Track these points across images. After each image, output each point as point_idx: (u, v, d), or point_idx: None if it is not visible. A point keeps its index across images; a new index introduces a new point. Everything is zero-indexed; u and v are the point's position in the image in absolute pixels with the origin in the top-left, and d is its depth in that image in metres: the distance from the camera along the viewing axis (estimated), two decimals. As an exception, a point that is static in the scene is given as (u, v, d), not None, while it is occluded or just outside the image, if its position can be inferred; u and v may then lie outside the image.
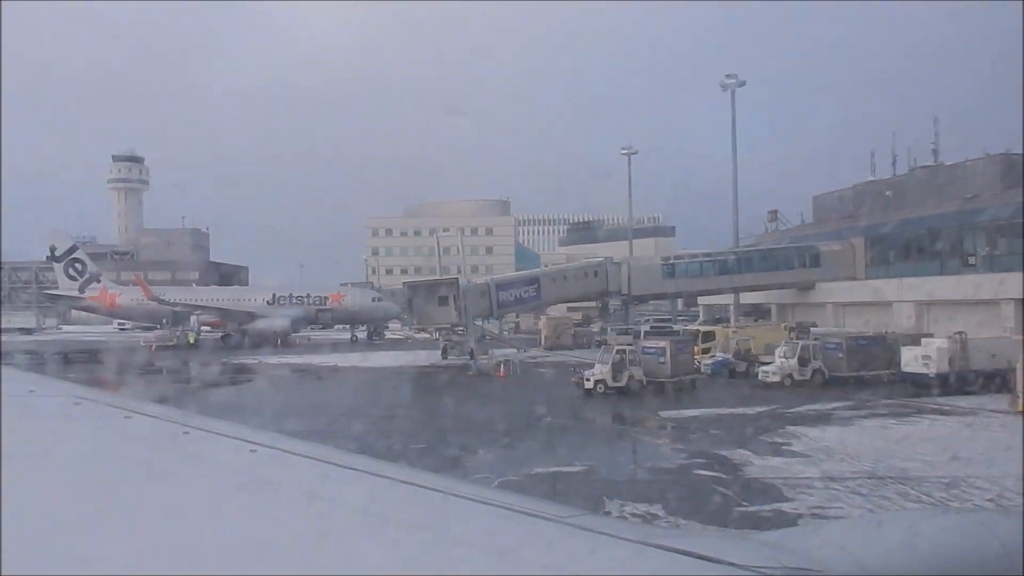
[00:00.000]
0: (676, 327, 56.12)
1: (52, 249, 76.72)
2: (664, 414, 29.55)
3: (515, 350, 51.71)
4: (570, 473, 19.72)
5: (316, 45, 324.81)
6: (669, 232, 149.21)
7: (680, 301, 78.44)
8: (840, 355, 36.71)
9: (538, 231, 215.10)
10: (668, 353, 34.80)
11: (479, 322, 51.67)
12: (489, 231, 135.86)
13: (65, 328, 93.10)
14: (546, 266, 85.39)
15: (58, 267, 77.00)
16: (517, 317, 74.82)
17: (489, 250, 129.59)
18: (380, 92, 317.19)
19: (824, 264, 58.73)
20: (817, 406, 29.99)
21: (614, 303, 61.17)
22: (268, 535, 2.24)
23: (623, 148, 77.77)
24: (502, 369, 42.21)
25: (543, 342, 61.48)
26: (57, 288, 79.06)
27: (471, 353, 46.05)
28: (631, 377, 33.39)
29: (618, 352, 33.94)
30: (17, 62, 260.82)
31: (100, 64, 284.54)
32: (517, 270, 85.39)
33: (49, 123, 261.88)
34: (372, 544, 2.26)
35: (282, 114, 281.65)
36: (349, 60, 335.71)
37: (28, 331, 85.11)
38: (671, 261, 63.43)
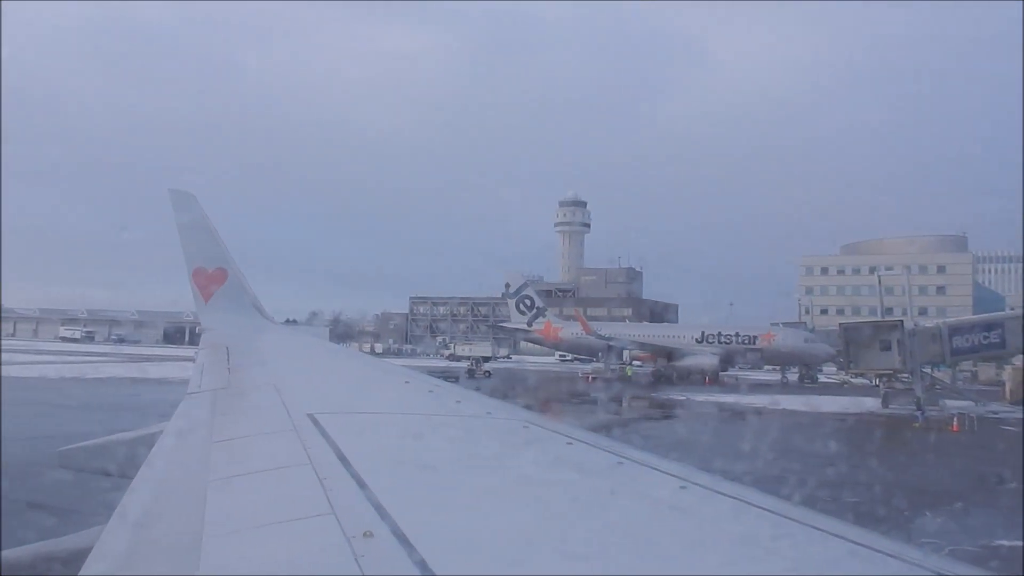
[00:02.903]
0: None
1: (507, 286, 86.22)
2: None
3: (971, 403, 45.82)
4: (1045, 551, 16.69)
5: (749, 85, 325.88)
6: None
7: None
8: None
9: (1002, 269, 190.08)
10: None
11: (927, 369, 46.87)
12: (941, 269, 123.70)
13: (514, 357, 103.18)
14: (1012, 309, 75.02)
15: (511, 302, 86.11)
16: (975, 366, 66.64)
17: (940, 290, 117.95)
18: (814, 127, 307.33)
19: None
20: None
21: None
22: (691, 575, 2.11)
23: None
24: (955, 423, 37.67)
25: (1007, 395, 53.59)
26: (509, 321, 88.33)
27: (918, 403, 41.94)
28: None
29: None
30: (482, 125, 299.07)
31: (542, 116, 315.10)
32: (975, 313, 76.23)
33: (509, 173, 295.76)
34: None
35: (714, 153, 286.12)
36: (780, 98, 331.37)
37: (486, 359, 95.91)
38: None
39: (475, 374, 64.03)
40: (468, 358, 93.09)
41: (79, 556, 3.02)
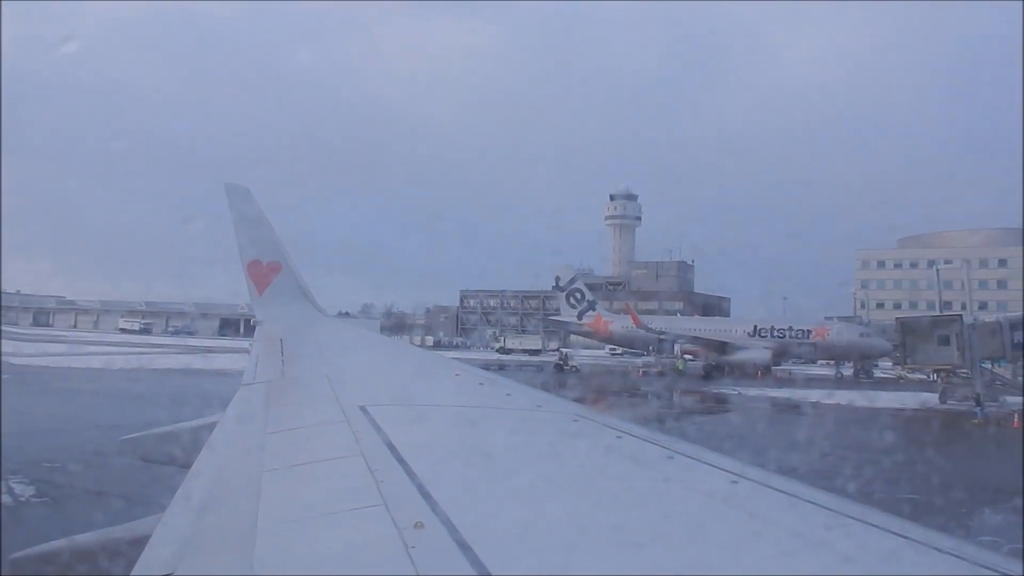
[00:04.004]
0: None
1: (557, 279, 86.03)
2: None
3: (1034, 399, 44.53)
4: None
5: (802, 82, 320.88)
6: None
7: None
8: None
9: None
10: None
11: (987, 365, 45.64)
12: (1002, 263, 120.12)
13: (564, 351, 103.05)
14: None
15: (561, 296, 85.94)
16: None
17: (1002, 284, 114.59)
18: (871, 120, 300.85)
19: None
20: None
21: None
22: (743, 570, 2.10)
23: None
24: (1016, 419, 36.66)
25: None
26: (559, 314, 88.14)
27: (977, 399, 40.90)
28: None
29: None
30: (534, 119, 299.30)
31: (594, 110, 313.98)
32: (1039, 307, 73.96)
33: (560, 166, 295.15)
34: None
35: (767, 146, 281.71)
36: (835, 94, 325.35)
37: (536, 352, 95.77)
38: None
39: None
40: (519, 351, 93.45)
41: (133, 545, 3.11)
